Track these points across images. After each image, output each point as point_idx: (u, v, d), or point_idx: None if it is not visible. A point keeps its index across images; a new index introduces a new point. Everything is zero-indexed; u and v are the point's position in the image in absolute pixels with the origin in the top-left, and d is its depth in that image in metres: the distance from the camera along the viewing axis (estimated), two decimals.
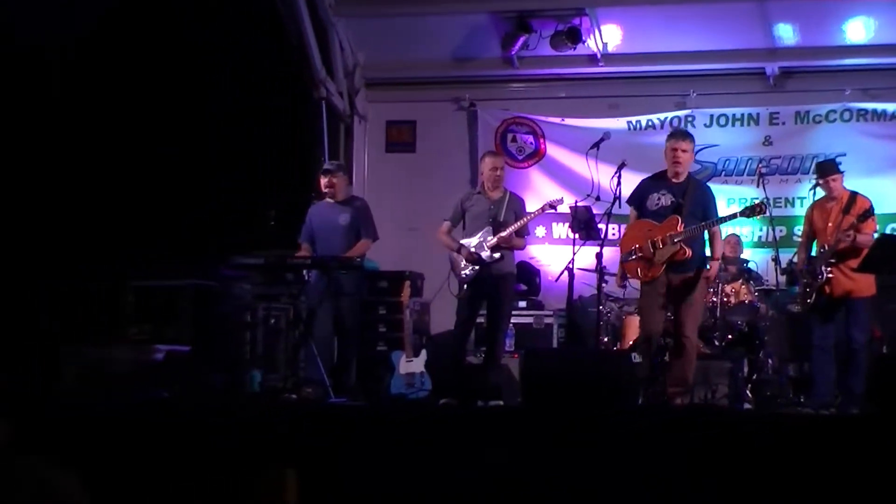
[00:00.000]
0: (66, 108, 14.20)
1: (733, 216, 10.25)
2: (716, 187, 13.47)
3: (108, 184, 14.33)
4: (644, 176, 10.59)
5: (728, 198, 13.60)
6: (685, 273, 10.05)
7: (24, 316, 12.96)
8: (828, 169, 10.85)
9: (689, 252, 9.97)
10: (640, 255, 10.15)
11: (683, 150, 10.18)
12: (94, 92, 14.37)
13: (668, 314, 10.24)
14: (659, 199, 10.22)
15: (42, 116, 13.95)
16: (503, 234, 11.01)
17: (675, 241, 9.97)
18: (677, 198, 10.13)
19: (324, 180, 11.65)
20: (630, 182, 10.68)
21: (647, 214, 10.25)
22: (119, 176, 14.42)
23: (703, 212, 10.14)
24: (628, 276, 10.47)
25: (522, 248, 11.51)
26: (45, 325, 12.87)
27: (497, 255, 10.99)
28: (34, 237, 13.61)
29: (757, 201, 10.41)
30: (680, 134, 10.54)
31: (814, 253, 10.78)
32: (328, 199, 11.67)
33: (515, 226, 11.06)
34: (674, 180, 10.23)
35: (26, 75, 13.79)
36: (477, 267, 11.00)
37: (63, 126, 14.14)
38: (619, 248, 10.55)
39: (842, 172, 10.80)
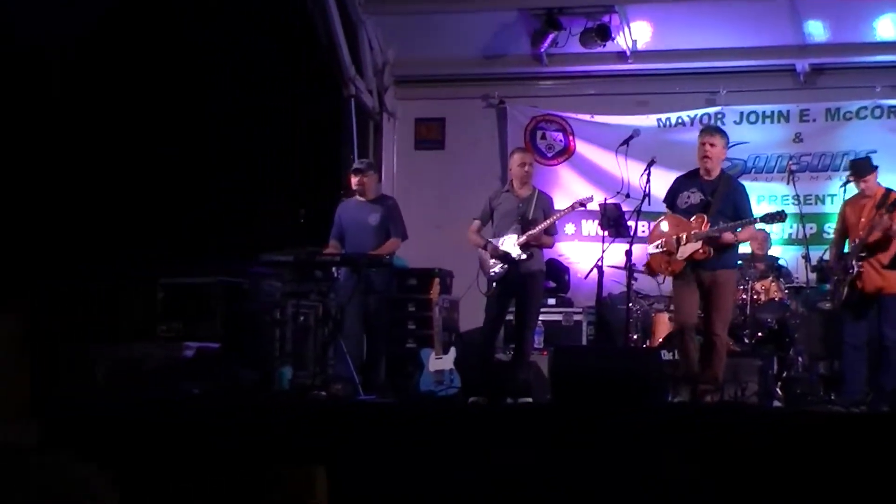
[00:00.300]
0: (110, 103, 14.26)
1: (753, 221, 10.23)
2: (746, 184, 13.47)
3: (138, 181, 14.38)
4: (673, 173, 10.59)
5: (758, 195, 13.54)
6: (714, 271, 10.03)
7: (54, 314, 13.01)
8: (863, 169, 10.82)
9: (709, 252, 9.96)
10: (664, 248, 10.18)
11: (712, 145, 10.17)
12: (119, 89, 14.43)
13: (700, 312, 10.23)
14: (689, 196, 10.22)
15: (90, 111, 14.00)
16: (531, 232, 10.98)
17: (698, 238, 9.97)
18: (706, 196, 10.12)
19: (354, 179, 11.65)
20: (659, 179, 10.67)
21: (678, 212, 10.27)
22: (149, 173, 14.46)
23: (733, 209, 10.12)
24: (652, 268, 10.49)
25: (551, 246, 11.49)
26: (74, 323, 12.92)
27: (525, 254, 10.96)
28: (63, 235, 13.66)
29: (777, 209, 10.34)
30: (709, 129, 10.55)
31: (846, 250, 10.75)
32: (358, 197, 11.67)
33: (544, 224, 11.04)
34: (705, 178, 10.21)
35: (59, 75, 13.85)
36: (506, 265, 10.99)
37: (99, 120, 14.19)
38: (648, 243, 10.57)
39: (875, 168, 10.78)
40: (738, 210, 10.14)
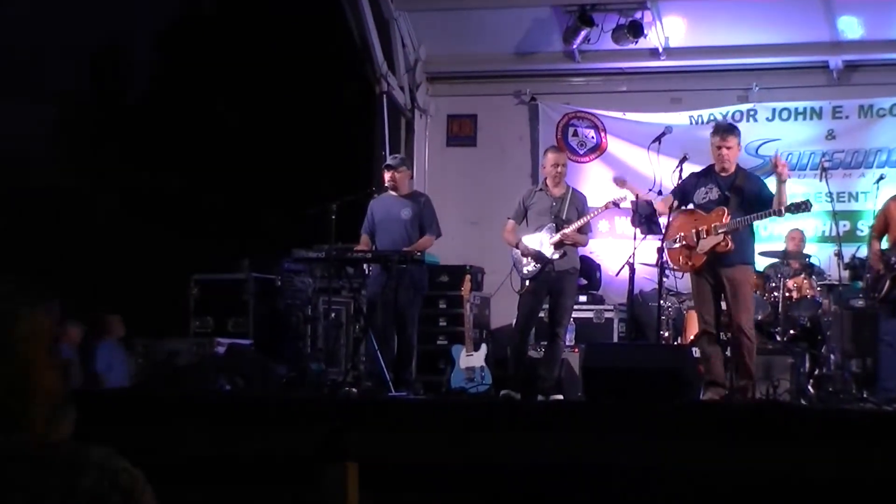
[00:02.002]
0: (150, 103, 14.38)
1: (779, 212, 10.17)
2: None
3: (175, 179, 14.47)
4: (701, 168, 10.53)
5: (790, 193, 13.43)
6: (732, 266, 10.01)
7: (90, 309, 13.08)
8: None
9: (731, 244, 9.93)
10: (683, 243, 10.15)
11: (728, 148, 10.14)
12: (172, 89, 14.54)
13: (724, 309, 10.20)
14: (707, 193, 10.20)
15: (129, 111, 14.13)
16: (565, 231, 10.95)
17: (720, 231, 9.95)
18: (724, 191, 10.11)
19: (387, 175, 11.64)
20: None
21: (697, 206, 10.25)
22: (186, 170, 14.55)
23: (756, 198, 10.08)
24: (671, 264, 10.47)
25: (585, 244, 11.46)
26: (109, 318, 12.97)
27: (559, 253, 10.93)
28: (96, 228, 13.76)
29: (803, 199, 10.27)
30: (722, 129, 10.38)
31: (884, 246, 10.70)
32: (391, 193, 11.66)
33: (578, 223, 11.00)
34: (722, 174, 10.20)
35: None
36: (539, 263, 10.97)
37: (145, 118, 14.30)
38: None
39: None
40: (762, 200, 10.09)
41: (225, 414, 8.87)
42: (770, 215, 10.13)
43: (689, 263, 10.17)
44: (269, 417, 8.75)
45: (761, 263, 11.88)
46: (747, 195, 10.09)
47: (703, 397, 9.91)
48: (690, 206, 10.37)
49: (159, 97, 14.44)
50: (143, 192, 13.96)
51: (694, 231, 10.10)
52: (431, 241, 11.59)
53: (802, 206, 10.06)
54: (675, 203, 10.35)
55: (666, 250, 10.41)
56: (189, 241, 13.67)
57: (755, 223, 10.26)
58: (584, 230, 11.18)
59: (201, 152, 14.23)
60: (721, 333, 10.23)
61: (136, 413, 8.79)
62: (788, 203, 10.11)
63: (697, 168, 10.67)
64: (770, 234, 13.07)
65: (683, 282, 11.80)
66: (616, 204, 11.25)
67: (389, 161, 11.82)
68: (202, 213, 14.10)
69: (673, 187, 10.47)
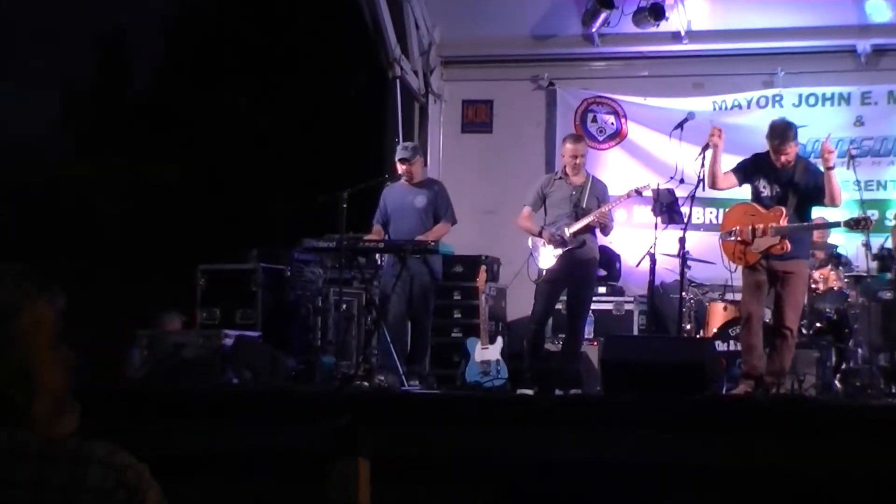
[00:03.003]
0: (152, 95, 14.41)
1: (836, 224, 10.14)
2: None
3: (181, 167, 14.49)
4: (729, 157, 10.47)
5: None
6: (788, 261, 9.95)
7: (95, 301, 13.12)
8: None
9: (788, 247, 9.86)
10: (739, 238, 10.09)
11: (786, 154, 10.02)
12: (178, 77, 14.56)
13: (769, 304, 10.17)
14: (764, 187, 10.10)
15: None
16: (585, 220, 10.94)
17: (775, 233, 9.89)
18: (784, 187, 10.01)
19: (401, 168, 11.64)
20: None
21: (755, 200, 10.16)
22: (193, 158, 14.56)
23: (815, 194, 9.98)
24: (724, 256, 10.39)
25: (610, 230, 11.40)
26: (115, 310, 13.01)
27: (577, 242, 10.93)
28: (102, 218, 13.79)
29: (862, 215, 10.19)
30: (780, 134, 10.11)
31: None
32: (404, 181, 11.66)
33: (598, 212, 10.98)
34: (781, 168, 10.06)
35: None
36: (558, 253, 10.96)
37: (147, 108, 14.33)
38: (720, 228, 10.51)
39: None
40: (820, 195, 9.99)
41: (232, 408, 8.88)
42: (825, 227, 10.07)
43: (744, 260, 10.11)
44: (278, 412, 8.76)
45: None
46: (804, 191, 10.02)
47: (737, 390, 9.90)
48: (749, 196, 10.29)
49: (165, 83, 14.46)
50: (149, 180, 13.98)
51: (750, 227, 10.03)
52: (447, 228, 11.59)
53: (862, 223, 10.00)
54: (735, 179, 10.25)
55: (720, 241, 10.37)
56: (196, 231, 13.69)
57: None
58: (606, 219, 11.16)
59: (209, 140, 14.24)
60: (764, 326, 10.21)
61: (141, 407, 8.81)
62: (848, 219, 10.07)
63: (721, 155, 10.64)
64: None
65: (706, 272, 11.78)
66: (638, 192, 11.24)
67: (402, 153, 11.78)
68: (209, 201, 14.11)
69: (736, 165, 10.34)
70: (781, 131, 10.15)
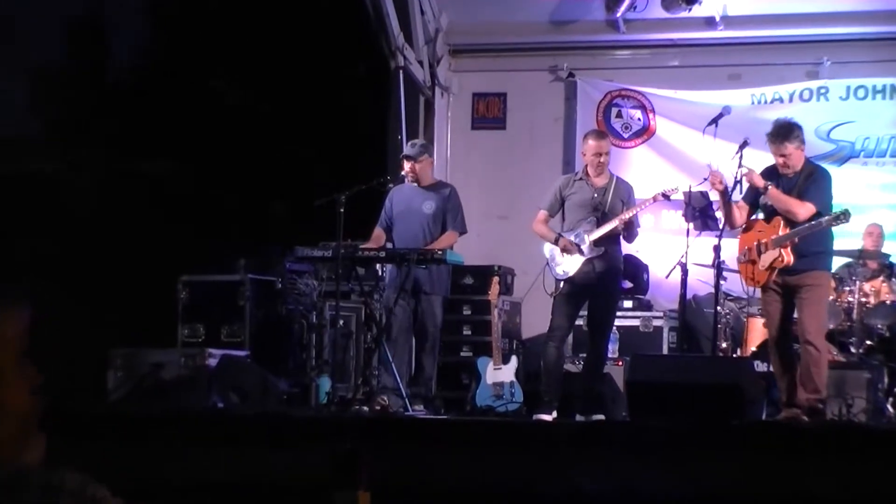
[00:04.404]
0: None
1: (818, 225, 10.13)
2: (854, 170, 13.35)
3: (162, 166, 14.50)
4: (769, 156, 10.49)
5: (866, 183, 13.45)
6: (801, 274, 9.99)
7: (68, 316, 13.11)
8: None
9: (790, 259, 9.90)
10: (748, 258, 10.18)
11: (784, 156, 10.12)
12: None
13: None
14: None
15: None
16: (609, 226, 10.91)
17: (775, 245, 9.93)
18: (787, 195, 10.07)
19: (406, 166, 11.63)
20: (753, 163, 10.58)
21: (763, 213, 10.25)
22: (175, 156, 14.58)
23: (820, 205, 10.06)
24: (742, 279, 10.47)
25: (634, 238, 11.37)
26: (88, 327, 13.02)
27: (599, 251, 10.88)
28: (73, 222, 13.80)
29: (840, 210, 10.20)
30: (774, 136, 10.24)
31: None
32: (411, 182, 11.65)
33: (623, 217, 10.93)
34: (786, 175, 10.14)
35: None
36: (578, 262, 10.93)
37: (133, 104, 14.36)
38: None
39: None
40: (824, 204, 10.07)
41: (217, 435, 8.88)
42: (815, 228, 10.07)
43: (755, 280, 10.16)
44: (269, 439, 8.76)
45: (834, 264, 11.83)
46: (806, 198, 10.07)
47: (778, 417, 9.92)
48: (761, 214, 10.36)
49: (147, 72, 14.48)
50: (126, 180, 13.99)
51: (756, 244, 10.10)
52: (455, 237, 11.59)
53: (840, 218, 10.03)
54: (747, 210, 10.35)
55: (738, 264, 10.43)
56: (177, 237, 13.69)
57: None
58: (632, 224, 11.12)
59: (194, 136, 14.25)
60: (793, 347, 10.22)
61: (116, 433, 8.81)
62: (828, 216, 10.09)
63: (760, 154, 10.65)
64: (843, 230, 13.02)
65: (744, 285, 11.78)
66: (666, 196, 11.20)
67: (408, 150, 11.78)
68: (192, 204, 14.11)
69: (743, 193, 10.43)
70: (778, 132, 10.24)
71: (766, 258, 10.02)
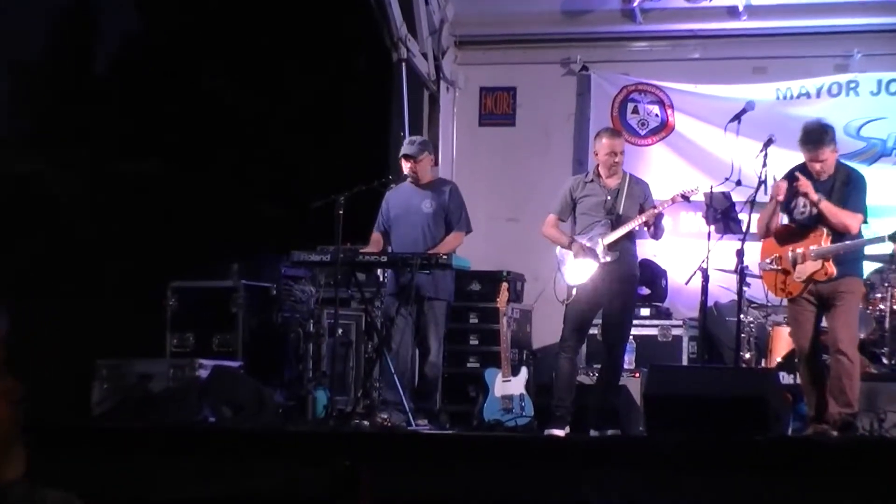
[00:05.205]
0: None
1: (881, 239, 10.17)
2: (885, 169, 13.34)
3: (150, 165, 14.52)
4: (796, 155, 10.49)
5: None
6: (835, 280, 9.98)
7: (51, 325, 13.13)
8: None
9: (833, 271, 9.90)
10: (779, 267, 10.13)
11: (821, 161, 10.08)
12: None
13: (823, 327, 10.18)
14: (805, 205, 10.14)
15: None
16: (624, 229, 10.90)
17: (817, 257, 9.91)
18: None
19: (406, 165, 11.64)
20: (778, 163, 10.59)
21: (794, 221, 10.22)
22: (164, 154, 14.60)
23: (863, 213, 10.06)
24: (766, 286, 10.45)
25: (660, 237, 11.34)
26: (72, 336, 13.03)
27: (613, 255, 10.87)
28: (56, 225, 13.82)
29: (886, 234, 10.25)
30: (810, 142, 10.17)
31: None
32: (410, 182, 11.66)
33: (640, 219, 10.92)
34: (819, 179, 10.12)
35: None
36: (591, 268, 10.93)
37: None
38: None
39: None
40: (858, 209, 10.07)
41: (208, 450, 8.89)
42: (875, 241, 10.09)
43: (787, 290, 10.14)
44: (263, 455, 8.77)
45: (865, 269, 11.82)
46: (845, 204, 10.05)
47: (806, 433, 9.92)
48: (785, 219, 10.35)
49: (135, 66, 14.49)
50: (111, 180, 13.99)
51: (790, 253, 10.07)
52: (460, 238, 11.59)
53: (886, 239, 10.04)
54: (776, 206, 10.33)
55: (760, 271, 10.40)
56: (166, 240, 13.70)
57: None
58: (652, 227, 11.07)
59: (183, 133, 14.26)
60: (822, 359, 10.22)
61: (100, 448, 8.82)
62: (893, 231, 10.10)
63: (786, 153, 10.64)
64: (874, 233, 13.02)
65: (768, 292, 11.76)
66: (685, 197, 11.17)
67: (407, 149, 11.77)
68: (182, 206, 14.13)
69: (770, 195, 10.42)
70: (813, 136, 10.17)
71: (805, 269, 9.99)
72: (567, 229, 11.25)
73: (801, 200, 10.17)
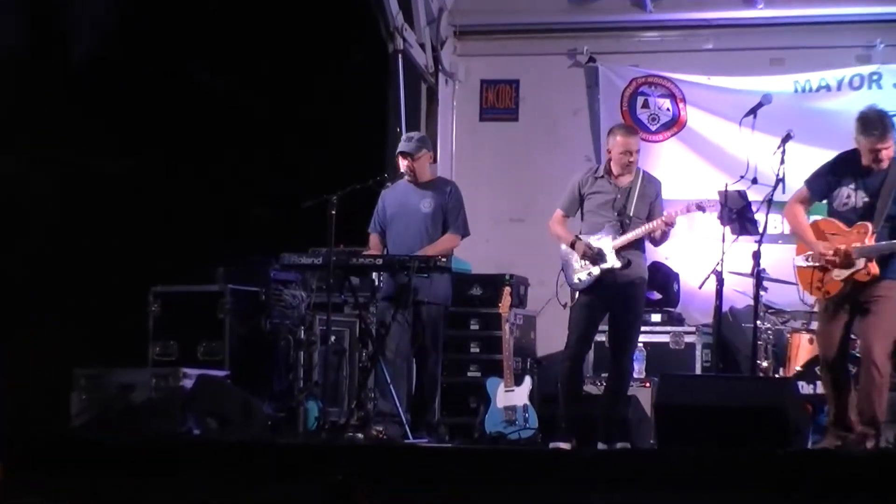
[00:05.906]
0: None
1: None
2: None
3: (131, 161, 14.52)
4: (815, 151, 10.49)
5: None
6: (874, 285, 9.88)
7: (28, 333, 13.13)
8: None
9: (876, 270, 9.78)
10: (818, 263, 10.02)
11: (886, 149, 9.96)
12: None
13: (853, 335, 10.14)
14: (848, 196, 10.02)
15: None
16: (634, 233, 10.87)
17: (860, 255, 9.82)
18: (872, 196, 9.94)
19: (402, 163, 11.64)
20: (797, 159, 10.56)
21: (834, 214, 10.12)
22: (146, 150, 14.59)
23: None
24: (800, 285, 10.35)
25: (665, 239, 11.31)
26: (47, 344, 13.04)
27: (622, 260, 10.83)
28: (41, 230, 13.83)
29: None
30: (882, 129, 9.92)
31: None
32: (407, 180, 11.65)
33: (651, 226, 10.87)
34: (871, 170, 9.98)
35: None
36: (597, 270, 10.92)
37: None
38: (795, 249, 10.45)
39: None
40: None
41: (193, 464, 8.90)
42: None
43: (823, 290, 10.04)
44: (251, 470, 8.78)
45: None
46: None
47: (823, 443, 9.89)
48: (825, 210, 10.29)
49: (115, 56, 14.48)
50: (89, 177, 13.97)
51: (831, 250, 10.00)
52: (456, 241, 11.57)
53: None
54: (807, 195, 10.22)
55: (795, 267, 10.31)
56: (148, 242, 13.69)
57: None
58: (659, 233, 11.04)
59: (165, 128, 14.24)
60: (848, 366, 10.19)
61: (80, 461, 8.83)
62: None
63: (805, 149, 10.62)
64: None
65: (786, 296, 11.73)
66: (701, 208, 10.98)
67: (404, 146, 11.76)
68: (166, 205, 14.11)
69: (809, 177, 10.31)
70: (878, 124, 9.98)
71: (845, 268, 9.91)
72: (576, 226, 11.18)
73: (846, 190, 10.05)
